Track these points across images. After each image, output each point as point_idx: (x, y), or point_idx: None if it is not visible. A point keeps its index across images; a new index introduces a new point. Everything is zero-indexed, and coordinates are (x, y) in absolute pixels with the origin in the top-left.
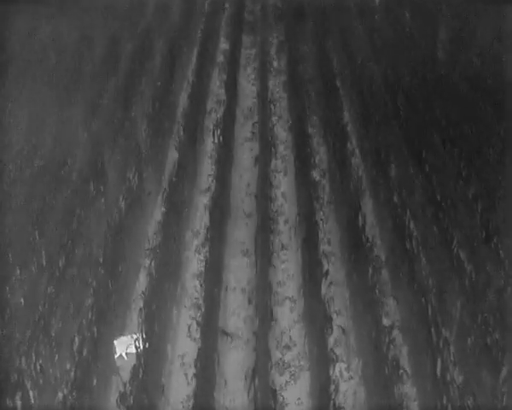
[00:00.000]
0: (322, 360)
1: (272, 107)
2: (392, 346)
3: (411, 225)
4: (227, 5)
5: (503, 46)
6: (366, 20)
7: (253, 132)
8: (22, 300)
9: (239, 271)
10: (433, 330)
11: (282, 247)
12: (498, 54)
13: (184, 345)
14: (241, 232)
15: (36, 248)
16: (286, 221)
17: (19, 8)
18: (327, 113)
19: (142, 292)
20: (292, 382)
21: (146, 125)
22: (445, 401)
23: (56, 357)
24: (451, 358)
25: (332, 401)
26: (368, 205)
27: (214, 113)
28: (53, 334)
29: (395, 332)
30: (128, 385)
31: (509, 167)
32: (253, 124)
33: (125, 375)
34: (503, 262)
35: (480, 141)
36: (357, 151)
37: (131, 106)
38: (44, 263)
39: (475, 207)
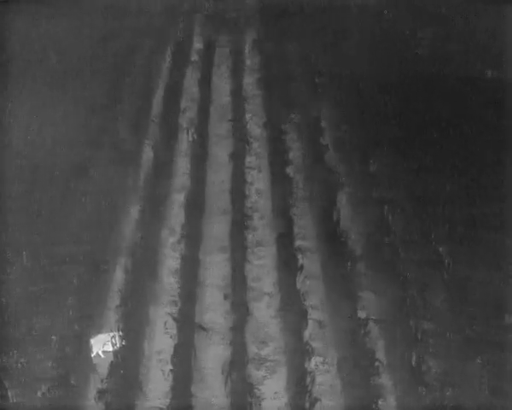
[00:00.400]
0: (298, 354)
1: (246, 104)
2: (367, 338)
3: (390, 219)
4: (202, 6)
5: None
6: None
7: (228, 130)
8: (4, 299)
9: (215, 267)
10: (410, 322)
11: (258, 243)
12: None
13: (161, 341)
14: (216, 229)
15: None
16: (261, 217)
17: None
18: (301, 109)
19: (119, 290)
20: (268, 376)
21: (121, 124)
22: (421, 392)
23: (36, 355)
24: (427, 349)
25: (308, 394)
26: (342, 200)
27: (189, 111)
28: (34, 333)
29: (371, 325)
30: (106, 382)
31: (491, 164)
32: (228, 121)
33: (103, 372)
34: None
35: (461, 138)
36: (330, 147)
37: (108, 106)
38: (25, 262)
39: (455, 203)
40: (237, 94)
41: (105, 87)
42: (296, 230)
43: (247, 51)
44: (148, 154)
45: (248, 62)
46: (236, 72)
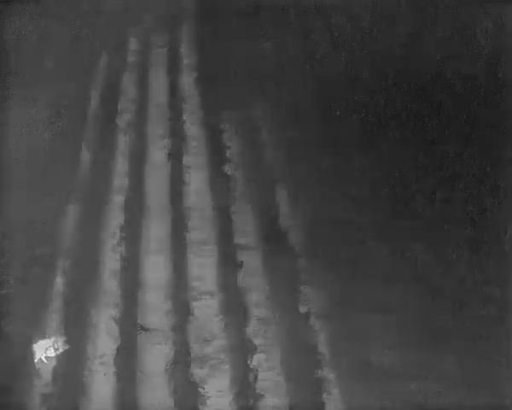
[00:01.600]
0: (241, 352)
1: (184, 104)
2: (309, 333)
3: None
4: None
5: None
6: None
7: (166, 130)
8: None
9: (155, 268)
10: (350, 314)
11: (198, 242)
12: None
13: (104, 344)
14: (156, 229)
15: None
16: (200, 216)
17: None
18: (238, 107)
19: (60, 293)
20: (212, 374)
21: (57, 126)
22: (365, 384)
23: None
24: (369, 341)
25: (252, 391)
26: (281, 196)
27: (126, 112)
28: None
29: (312, 319)
30: (50, 387)
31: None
32: (165, 121)
33: (47, 377)
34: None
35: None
36: (268, 144)
37: (45, 107)
38: None
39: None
40: (174, 93)
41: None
42: (236, 227)
43: (183, 51)
44: (85, 156)
45: (185, 62)
46: (173, 71)
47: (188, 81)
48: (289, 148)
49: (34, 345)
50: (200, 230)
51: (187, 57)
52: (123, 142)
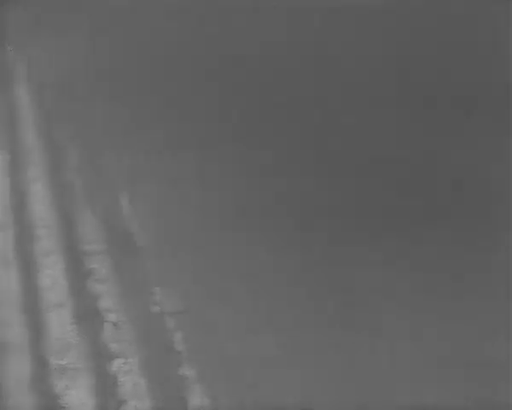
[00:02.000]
0: (98, 359)
1: (20, 115)
2: (165, 332)
3: (174, 212)
4: None
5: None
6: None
7: (2, 143)
8: None
9: (4, 282)
10: (203, 310)
11: (45, 252)
12: None
13: None
14: (0, 243)
15: None
16: (45, 226)
17: None
18: (76, 115)
19: None
20: (72, 385)
21: None
22: (226, 376)
23: None
24: (225, 333)
25: (113, 397)
26: (126, 197)
27: None
28: None
29: (166, 318)
30: None
31: None
32: (2, 134)
33: None
34: None
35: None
36: (108, 149)
37: None
38: None
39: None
40: (10, 105)
41: None
42: (82, 235)
43: (15, 60)
44: None
45: (19, 71)
46: (6, 83)
47: (23, 91)
48: (131, 151)
49: None
50: (46, 240)
51: (20, 66)
52: None
